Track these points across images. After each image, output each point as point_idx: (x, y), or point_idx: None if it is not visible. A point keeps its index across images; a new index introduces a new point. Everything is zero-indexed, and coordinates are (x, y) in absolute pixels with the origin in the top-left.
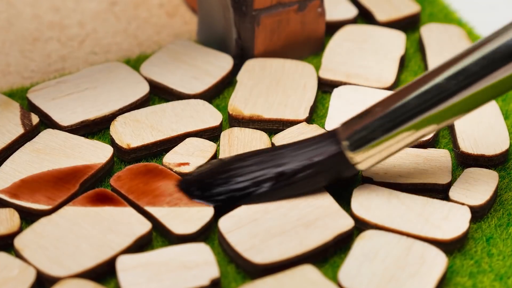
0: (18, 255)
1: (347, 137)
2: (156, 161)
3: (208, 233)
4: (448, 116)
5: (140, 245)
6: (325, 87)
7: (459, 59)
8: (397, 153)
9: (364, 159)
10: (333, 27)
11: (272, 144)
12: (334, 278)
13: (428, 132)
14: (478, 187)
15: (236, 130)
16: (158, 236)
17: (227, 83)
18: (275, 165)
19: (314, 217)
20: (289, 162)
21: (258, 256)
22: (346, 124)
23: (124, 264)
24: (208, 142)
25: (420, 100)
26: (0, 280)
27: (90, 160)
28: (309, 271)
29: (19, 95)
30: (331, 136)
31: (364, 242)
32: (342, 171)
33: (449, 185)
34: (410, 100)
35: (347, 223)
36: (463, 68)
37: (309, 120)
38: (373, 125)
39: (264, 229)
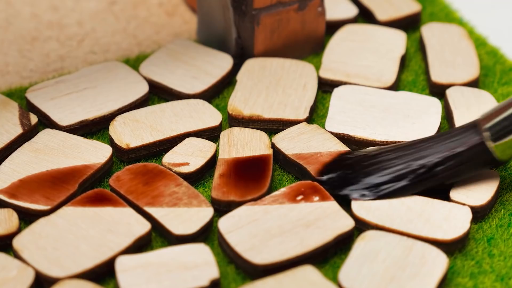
0: (16, 256)
1: (488, 128)
2: (156, 161)
3: (207, 234)
4: None
5: (140, 246)
6: (325, 87)
7: None
8: None
9: (505, 150)
10: (333, 27)
11: (272, 144)
12: (334, 278)
13: None
14: (479, 187)
15: (235, 130)
16: (158, 236)
17: (227, 82)
18: (417, 158)
19: (314, 218)
20: (430, 155)
21: (258, 256)
22: (488, 115)
23: (123, 265)
24: (207, 142)
25: None
26: None
27: (89, 160)
28: (309, 272)
29: (18, 95)
30: (472, 127)
31: (364, 243)
32: (484, 162)
33: (450, 186)
34: None
35: (348, 224)
36: None
37: (309, 120)
38: None
39: (264, 229)
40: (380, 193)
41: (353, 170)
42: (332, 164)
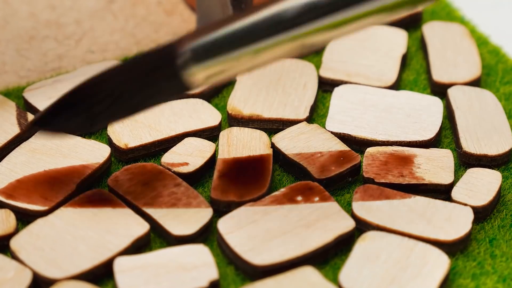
0: (14, 257)
1: (191, 49)
2: (154, 161)
3: (207, 234)
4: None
5: (138, 247)
6: (326, 86)
7: None
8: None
9: (202, 74)
10: None
11: (272, 144)
12: (334, 280)
13: (270, 59)
14: (481, 187)
15: (235, 129)
16: (156, 237)
17: (227, 81)
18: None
19: (314, 218)
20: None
21: (257, 257)
22: (191, 35)
23: (121, 266)
24: (207, 142)
25: (270, 22)
26: None
27: (87, 160)
28: (309, 273)
29: (15, 94)
30: (170, 47)
31: (365, 244)
32: (174, 88)
33: (451, 186)
34: (259, 22)
35: (348, 224)
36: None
37: (310, 119)
38: (221, 40)
39: (263, 230)
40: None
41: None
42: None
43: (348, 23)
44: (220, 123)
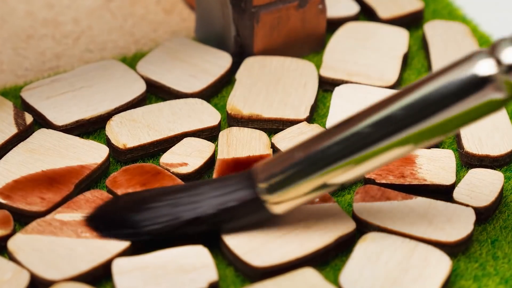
0: (11, 258)
1: (264, 179)
2: (153, 162)
3: (206, 236)
4: (369, 163)
5: (137, 248)
6: (326, 86)
7: (384, 105)
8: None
9: (280, 203)
10: (334, 24)
11: (272, 144)
12: (335, 281)
13: (349, 179)
14: (483, 188)
15: (234, 129)
16: None
17: (226, 81)
18: (189, 209)
19: (315, 219)
20: (202, 207)
21: (257, 259)
22: (264, 166)
23: (120, 267)
24: (206, 142)
25: (340, 146)
26: None
27: (85, 161)
28: (309, 274)
29: (13, 94)
30: (247, 179)
31: (366, 245)
32: (260, 214)
33: (453, 186)
34: (331, 146)
35: (349, 225)
36: (388, 115)
37: (310, 119)
38: (292, 169)
39: (263, 231)
40: (143, 237)
41: (120, 214)
42: (103, 207)
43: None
44: (219, 123)
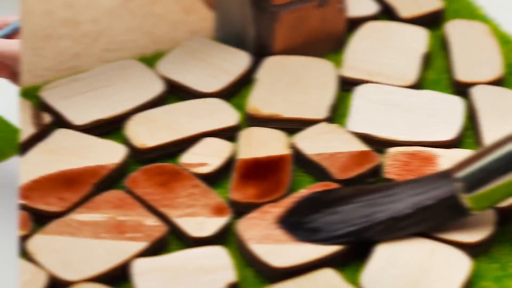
0: (30, 259)
1: (461, 178)
2: (172, 162)
3: (225, 236)
4: None
5: (156, 249)
6: (347, 86)
7: None
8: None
9: (478, 202)
10: (354, 24)
11: (293, 144)
12: (354, 282)
13: None
14: None
15: (254, 129)
16: (174, 239)
17: (245, 81)
18: (383, 210)
19: None
20: (398, 207)
21: (277, 259)
22: (460, 164)
23: (140, 268)
24: (225, 142)
25: None
26: None
27: (104, 161)
28: (329, 275)
29: (31, 94)
30: (443, 177)
31: (386, 246)
32: (455, 214)
33: None
34: None
35: None
36: None
37: (330, 119)
38: (490, 167)
39: (283, 232)
40: (339, 240)
41: (312, 217)
42: (298, 206)
43: None
44: (239, 123)
